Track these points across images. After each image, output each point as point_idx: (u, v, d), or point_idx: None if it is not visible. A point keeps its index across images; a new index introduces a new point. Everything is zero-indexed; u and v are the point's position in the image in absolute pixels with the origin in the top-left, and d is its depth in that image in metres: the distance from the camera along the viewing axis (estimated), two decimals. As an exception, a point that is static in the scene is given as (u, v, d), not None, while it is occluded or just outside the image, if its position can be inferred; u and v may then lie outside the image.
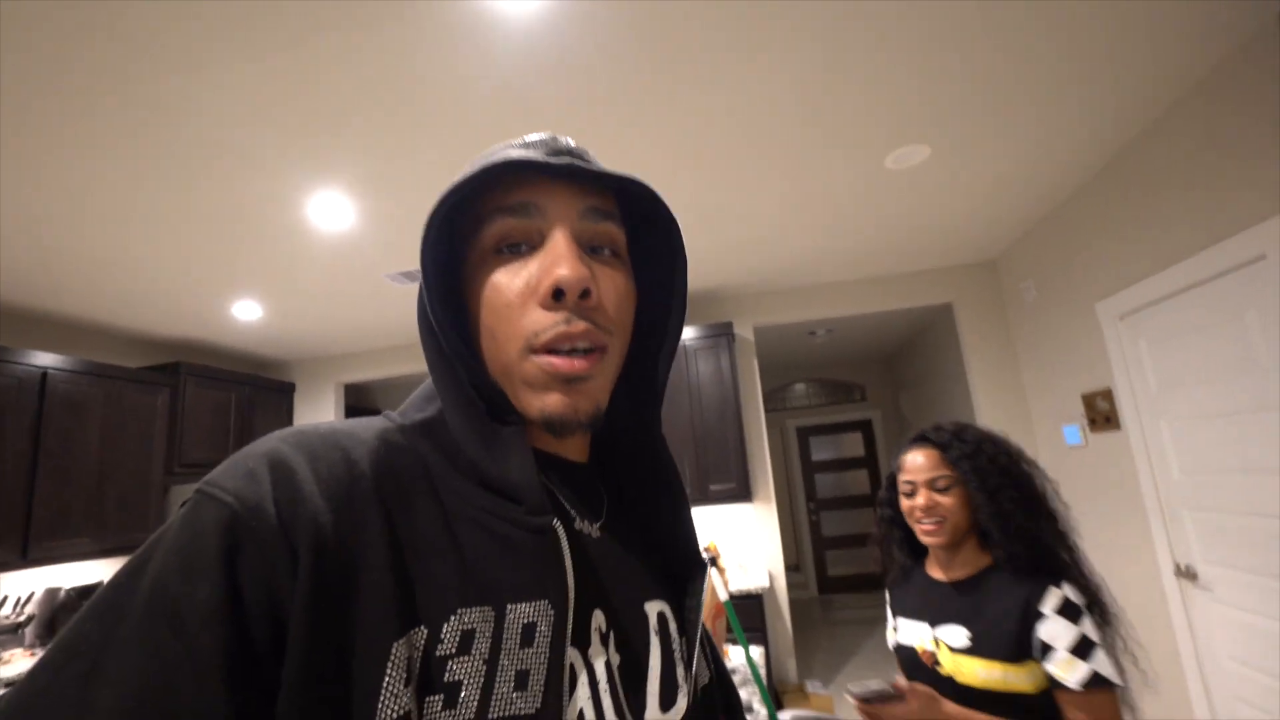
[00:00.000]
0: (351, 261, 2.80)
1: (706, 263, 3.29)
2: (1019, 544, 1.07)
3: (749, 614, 3.10)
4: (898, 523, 1.30)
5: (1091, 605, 1.04)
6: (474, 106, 1.78)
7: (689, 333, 3.58)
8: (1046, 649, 1.01)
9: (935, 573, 1.22)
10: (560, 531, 0.42)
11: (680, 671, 0.49)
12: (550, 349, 0.42)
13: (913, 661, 1.17)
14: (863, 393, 6.55)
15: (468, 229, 0.45)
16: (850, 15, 1.53)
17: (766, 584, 3.19)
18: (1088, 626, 1.00)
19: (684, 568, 0.54)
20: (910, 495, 1.19)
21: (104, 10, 1.33)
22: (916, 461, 1.20)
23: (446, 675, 0.36)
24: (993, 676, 1.03)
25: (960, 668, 1.07)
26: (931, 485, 1.15)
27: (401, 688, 0.34)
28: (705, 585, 0.53)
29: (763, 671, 1.99)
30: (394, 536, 0.38)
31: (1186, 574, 2.24)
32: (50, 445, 2.90)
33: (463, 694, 0.36)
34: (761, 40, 1.60)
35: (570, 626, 0.40)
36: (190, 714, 0.30)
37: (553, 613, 0.40)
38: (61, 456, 2.95)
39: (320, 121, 1.79)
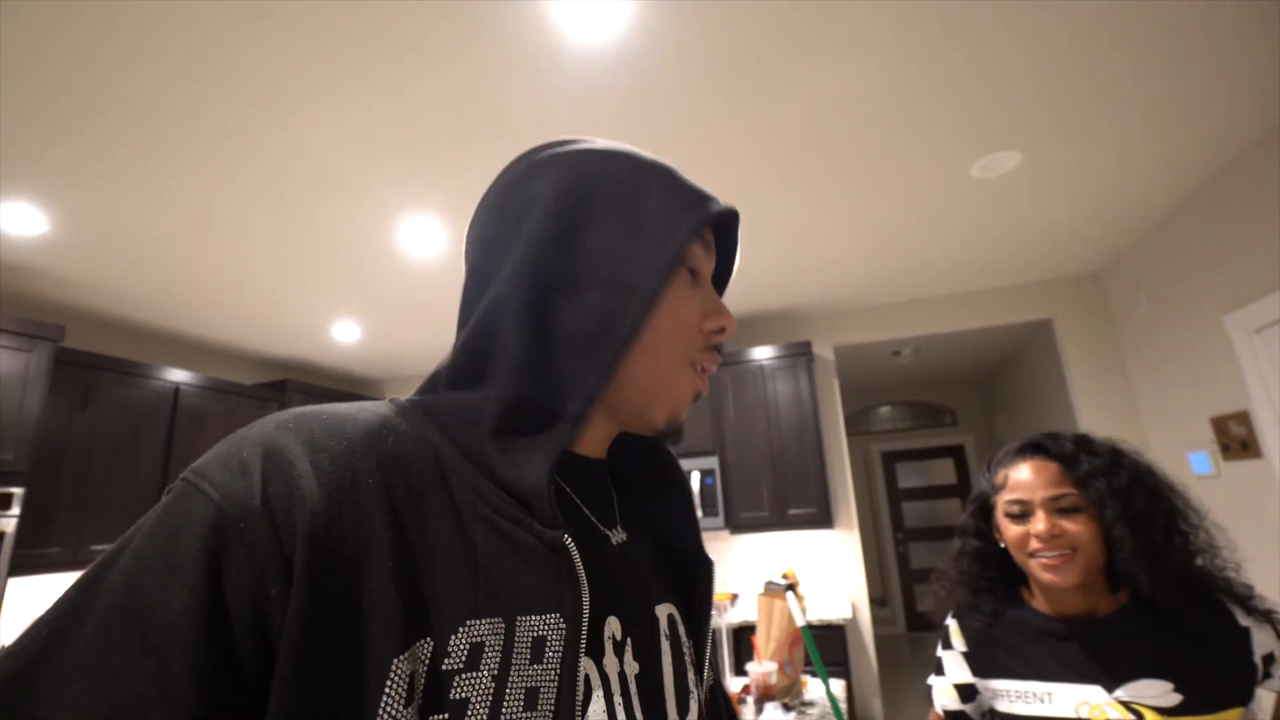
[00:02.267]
0: (443, 283, 2.97)
1: (784, 281, 3.24)
2: (1178, 591, 0.83)
3: (830, 645, 2.95)
4: (989, 558, 1.00)
5: None
6: (551, 130, 1.87)
7: (766, 352, 3.53)
8: (1266, 665, 0.81)
9: (1051, 607, 0.92)
10: (572, 547, 0.39)
11: (691, 676, 0.48)
12: (701, 368, 0.47)
13: None
14: (953, 416, 6.18)
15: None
16: (929, 17, 1.49)
17: (849, 615, 3.04)
18: None
19: (691, 567, 0.53)
20: (1019, 518, 0.91)
21: (224, 59, 1.51)
22: (1030, 476, 0.92)
23: (453, 692, 0.33)
24: None
25: None
26: (1053, 506, 0.88)
27: (401, 708, 0.31)
28: (713, 585, 0.53)
29: (843, 707, 1.88)
30: (401, 538, 0.35)
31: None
32: (179, 453, 3.23)
33: (469, 713, 0.33)
34: (836, 48, 1.58)
35: (584, 640, 0.38)
36: None
37: (564, 627, 0.37)
38: (187, 464, 3.28)
39: (413, 152, 1.93)
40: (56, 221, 2.20)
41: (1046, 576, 0.87)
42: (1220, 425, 2.48)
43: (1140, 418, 3.14)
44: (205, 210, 2.19)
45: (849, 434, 6.27)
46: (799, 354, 3.49)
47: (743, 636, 2.84)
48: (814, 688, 1.89)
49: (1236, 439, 2.39)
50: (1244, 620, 0.82)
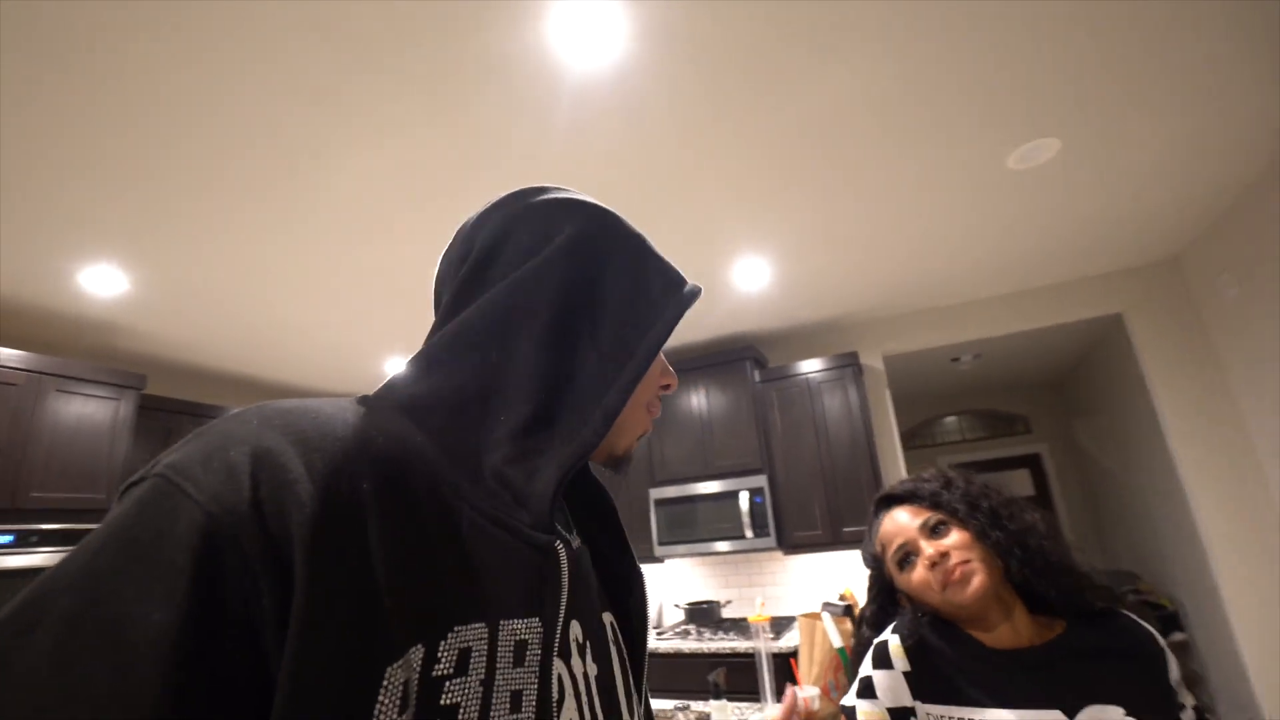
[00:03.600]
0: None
1: (823, 291, 3.16)
2: (1064, 577, 0.85)
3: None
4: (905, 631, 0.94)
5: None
6: (568, 157, 1.91)
7: (811, 365, 3.43)
8: (1177, 691, 0.81)
9: (998, 641, 0.87)
10: (563, 553, 0.41)
11: (630, 680, 0.50)
12: (652, 412, 0.55)
13: None
14: (1026, 424, 5.78)
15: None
16: (941, 4, 1.44)
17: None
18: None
19: (625, 578, 0.56)
20: (909, 564, 0.91)
21: (266, 118, 1.63)
22: (897, 522, 0.93)
23: (443, 698, 0.33)
24: None
25: None
26: (927, 533, 0.90)
27: (395, 716, 0.31)
28: (646, 595, 0.57)
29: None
30: (394, 544, 0.34)
31: None
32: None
33: (460, 718, 0.33)
34: (852, 44, 1.55)
35: (557, 643, 0.39)
36: None
37: (542, 630, 0.39)
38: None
39: (444, 191, 2.02)
40: (135, 280, 2.42)
41: (961, 595, 0.85)
42: (1330, 419, 2.21)
43: (1241, 415, 2.83)
44: (261, 260, 2.37)
45: (913, 447, 5.97)
46: (845, 365, 3.37)
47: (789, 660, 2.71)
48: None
49: (1350, 433, 2.12)
50: (1162, 643, 0.83)
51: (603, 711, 0.44)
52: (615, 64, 1.54)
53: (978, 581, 0.84)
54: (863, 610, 1.05)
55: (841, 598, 2.10)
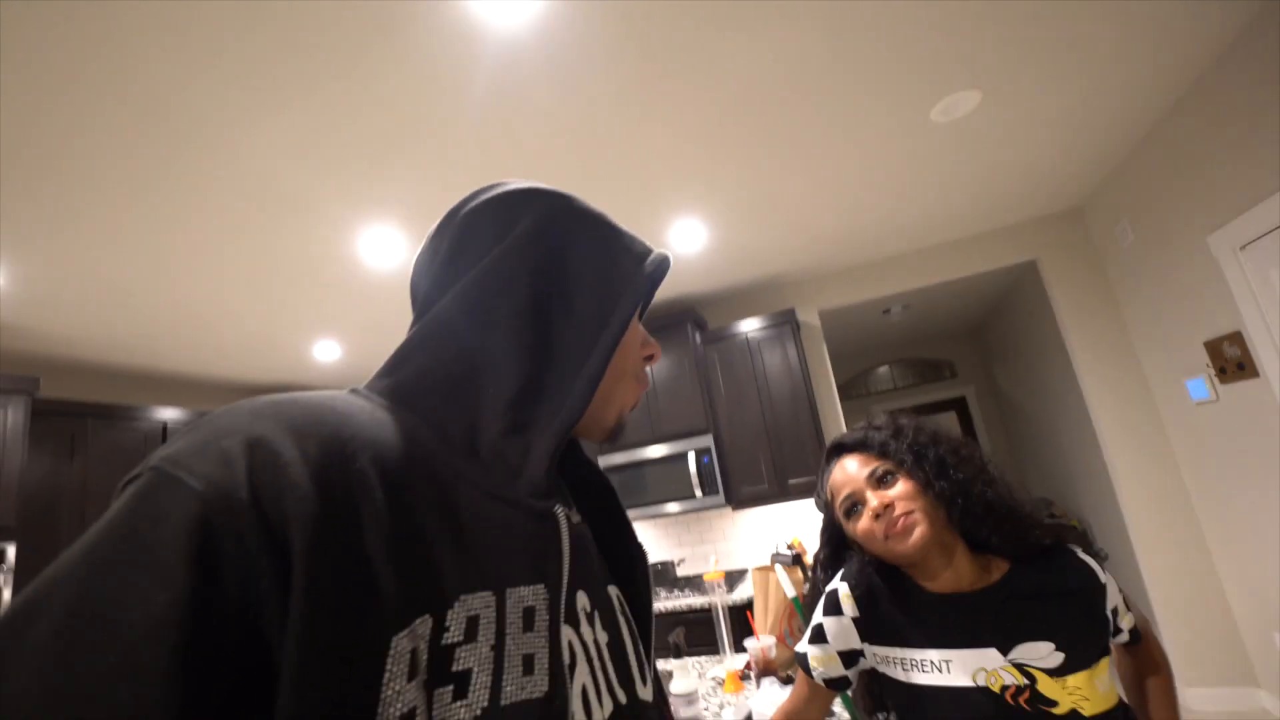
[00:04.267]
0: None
1: (758, 250, 3.18)
2: (1007, 521, 0.88)
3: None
4: (855, 577, 0.99)
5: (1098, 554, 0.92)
6: (493, 125, 1.81)
7: (750, 325, 3.48)
8: (1114, 617, 0.88)
9: (940, 586, 0.91)
10: (561, 516, 0.44)
11: (640, 649, 0.52)
12: (640, 382, 0.57)
13: (980, 709, 0.81)
14: (952, 369, 6.12)
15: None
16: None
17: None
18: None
19: (628, 555, 0.58)
20: (855, 513, 0.94)
21: (162, 95, 1.46)
22: (846, 471, 0.96)
23: (455, 665, 0.34)
24: (1108, 685, 0.81)
25: (1080, 693, 0.79)
26: (874, 482, 0.92)
27: (404, 684, 0.32)
28: (649, 572, 0.60)
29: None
30: (392, 520, 0.35)
31: (1361, 538, 1.89)
32: (174, 490, 3.23)
33: (473, 682, 0.34)
34: (773, 4, 1.52)
35: (564, 608, 0.41)
36: None
37: (548, 596, 0.40)
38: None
39: (357, 163, 1.88)
40: (14, 276, 2.17)
41: (903, 545, 0.88)
42: (1214, 348, 2.43)
43: (1135, 351, 3.08)
44: (165, 248, 2.16)
45: (850, 398, 6.23)
46: (783, 323, 3.44)
47: (744, 613, 2.82)
48: (820, 657, 1.87)
49: (1232, 360, 2.34)
50: (1102, 577, 0.87)
51: (616, 677, 0.46)
52: (535, 24, 1.46)
53: (919, 533, 0.87)
54: (816, 554, 1.09)
55: (790, 547, 2.17)
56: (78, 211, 1.88)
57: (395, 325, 3.32)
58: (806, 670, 0.98)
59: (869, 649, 0.95)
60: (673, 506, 3.41)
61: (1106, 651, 0.83)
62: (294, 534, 0.30)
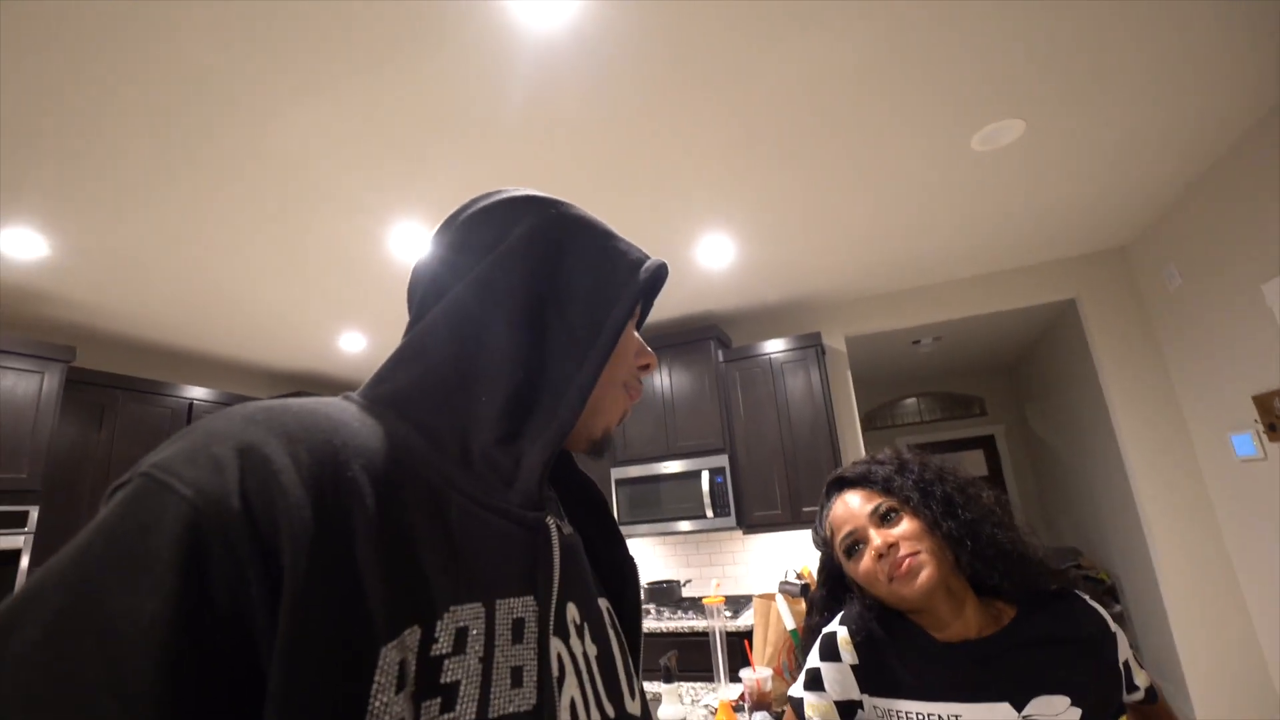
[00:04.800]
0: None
1: (786, 271, 3.14)
2: (1016, 566, 0.83)
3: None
4: (856, 622, 0.93)
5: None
6: (523, 125, 1.82)
7: (774, 346, 3.43)
8: (1127, 671, 0.83)
9: (947, 634, 0.86)
10: (553, 527, 0.44)
11: (628, 663, 0.52)
12: (631, 392, 0.55)
13: None
14: (982, 406, 5.95)
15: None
16: (905, -20, 1.40)
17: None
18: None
19: (620, 569, 0.57)
20: (856, 553, 0.88)
21: (200, 75, 1.51)
22: (848, 506, 0.91)
23: (443, 676, 0.34)
24: None
25: None
26: (876, 520, 0.87)
27: (392, 695, 0.31)
28: (640, 586, 0.58)
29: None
30: (382, 529, 0.34)
31: None
32: (194, 468, 3.30)
33: (461, 694, 0.34)
34: (811, 21, 1.50)
35: (553, 620, 0.41)
36: None
37: (538, 608, 0.40)
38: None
39: (390, 157, 1.91)
40: (55, 245, 2.25)
41: (908, 588, 0.83)
42: (1264, 403, 2.30)
43: (1178, 400, 2.94)
44: (198, 228, 2.22)
45: (874, 428, 6.09)
46: (808, 346, 3.38)
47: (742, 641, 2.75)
48: (820, 693, 1.80)
49: (1281, 418, 2.21)
50: (1113, 626, 0.82)
51: (605, 690, 0.46)
52: (573, 25, 1.46)
53: (925, 575, 0.82)
54: (812, 595, 1.03)
55: (799, 576, 2.11)
56: (118, 188, 1.94)
57: (420, 322, 3.35)
58: (800, 717, 0.92)
59: (868, 700, 0.88)
60: (683, 525, 3.36)
61: (1123, 710, 0.78)
62: (285, 542, 0.30)
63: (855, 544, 0.89)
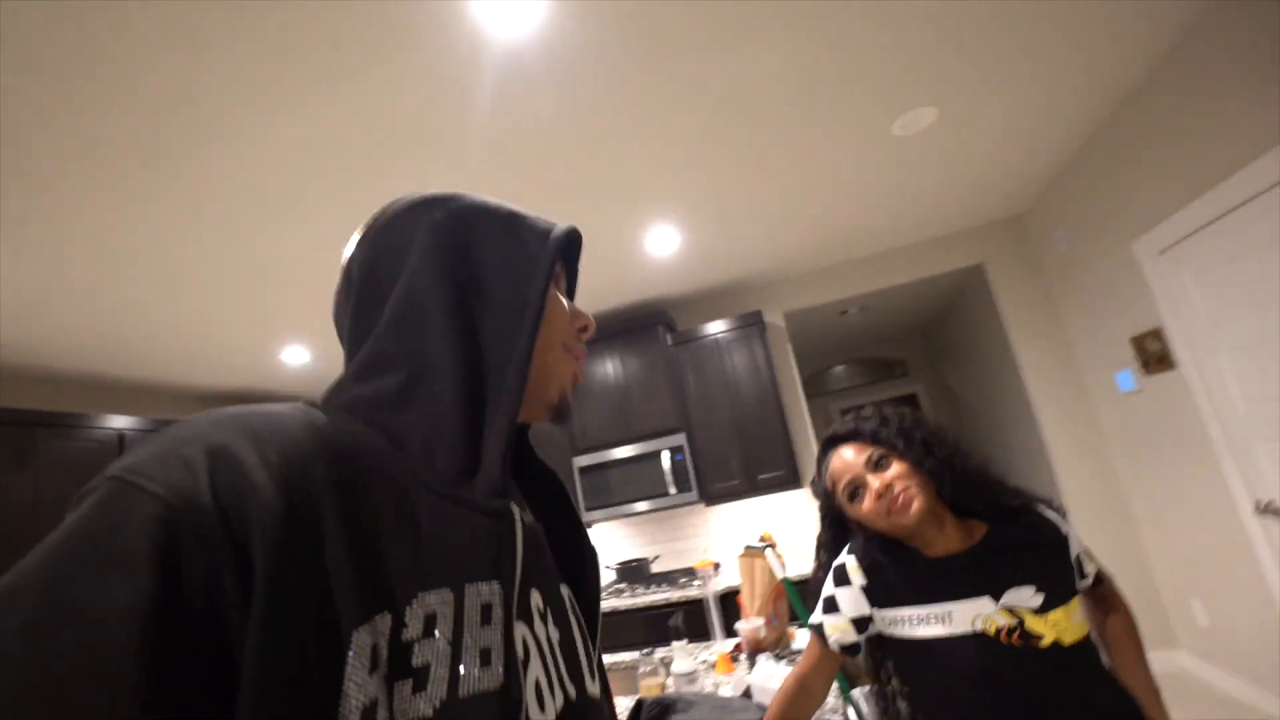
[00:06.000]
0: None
1: (729, 254, 3.31)
2: (985, 488, 1.03)
3: (807, 598, 3.07)
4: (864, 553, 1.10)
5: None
6: (479, 132, 1.86)
7: (719, 326, 3.60)
8: (1079, 564, 1.03)
9: (935, 551, 1.03)
10: (517, 513, 0.46)
11: (589, 647, 0.55)
12: (575, 355, 0.58)
13: (980, 652, 0.93)
14: (904, 368, 6.43)
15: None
16: (837, -11, 1.55)
17: (826, 567, 3.17)
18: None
19: (580, 556, 0.61)
20: (858, 497, 1.05)
21: (140, 78, 1.45)
22: (844, 459, 1.07)
23: (414, 659, 0.36)
24: (1081, 619, 0.96)
25: (1060, 626, 0.92)
26: (872, 466, 1.04)
27: (365, 676, 0.33)
28: (600, 572, 0.63)
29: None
30: (351, 523, 0.36)
31: (1268, 510, 2.15)
32: (133, 502, 3.10)
33: (432, 675, 0.36)
34: (750, 25, 1.63)
35: (516, 604, 0.43)
36: None
37: (502, 592, 0.42)
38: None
39: (344, 167, 1.89)
40: (-36, 275, 2.07)
41: (905, 517, 0.99)
42: (1139, 344, 2.69)
43: (1072, 347, 3.35)
44: (126, 246, 2.10)
45: (808, 396, 6.45)
46: (751, 324, 3.58)
47: (729, 602, 2.93)
48: (801, 638, 1.98)
49: (1154, 354, 2.60)
50: (1064, 529, 1.02)
51: (567, 673, 0.49)
52: (539, 33, 1.52)
53: (917, 505, 0.99)
54: (819, 537, 1.19)
55: (761, 539, 2.28)
56: (28, 209, 1.80)
57: (367, 329, 3.28)
58: (821, 638, 1.08)
59: (877, 613, 1.05)
60: (647, 504, 3.50)
61: (1076, 592, 0.98)
62: (256, 536, 0.31)
63: (856, 490, 1.05)
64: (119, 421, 3.16)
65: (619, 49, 1.63)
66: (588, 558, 0.61)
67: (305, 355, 3.51)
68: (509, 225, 0.54)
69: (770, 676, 1.42)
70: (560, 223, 0.56)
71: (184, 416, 3.00)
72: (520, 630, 0.44)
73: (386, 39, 1.45)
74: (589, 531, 0.66)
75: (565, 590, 0.55)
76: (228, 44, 1.38)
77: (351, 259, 0.53)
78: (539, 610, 0.48)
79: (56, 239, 1.97)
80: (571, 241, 0.60)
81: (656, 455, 3.50)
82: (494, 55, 1.57)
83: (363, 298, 0.51)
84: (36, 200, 1.76)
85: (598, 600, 0.60)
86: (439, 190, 0.56)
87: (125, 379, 3.37)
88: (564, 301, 0.58)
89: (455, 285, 0.49)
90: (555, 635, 0.49)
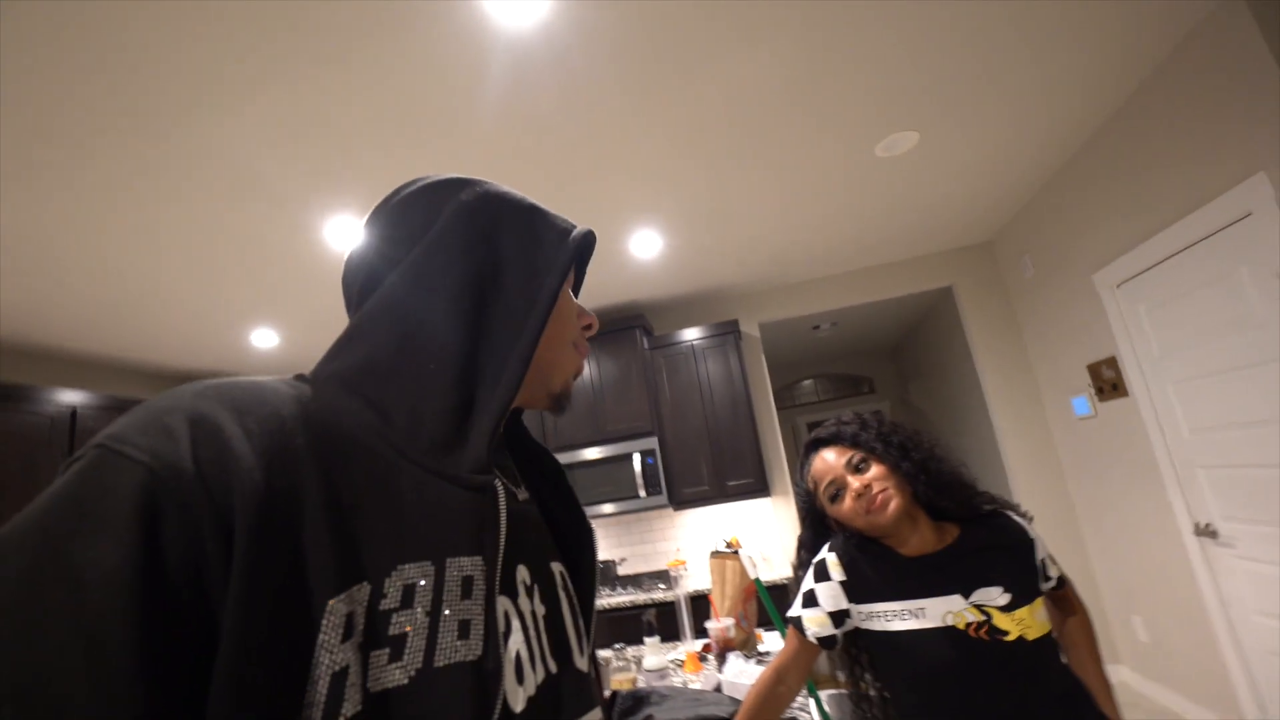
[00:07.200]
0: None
1: (709, 261, 3.36)
2: (959, 491, 1.08)
3: (778, 600, 3.13)
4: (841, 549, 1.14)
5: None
6: (476, 121, 1.86)
7: (695, 333, 3.65)
8: (1043, 567, 1.08)
9: (910, 550, 1.08)
10: (500, 489, 0.46)
11: (580, 623, 0.56)
12: (580, 350, 0.60)
13: (950, 645, 0.98)
14: (871, 385, 6.59)
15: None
16: (830, 11, 1.61)
17: (789, 575, 3.22)
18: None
19: (577, 534, 0.62)
20: (838, 498, 1.09)
21: (125, 50, 1.41)
22: (826, 461, 1.11)
23: (391, 629, 0.37)
24: (1043, 617, 1.01)
25: (1025, 623, 0.97)
26: (853, 469, 1.08)
27: (338, 643, 0.34)
28: (597, 550, 0.63)
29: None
30: (332, 494, 0.37)
31: (1206, 532, 2.27)
32: (82, 482, 2.97)
33: (408, 645, 0.37)
34: (745, 38, 1.68)
35: (499, 579, 0.44)
36: (83, 699, 0.27)
37: (485, 567, 0.43)
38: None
39: (331, 150, 1.87)
40: (-82, 233, 1.97)
41: (882, 517, 1.04)
42: (1095, 370, 2.82)
43: (1033, 371, 3.50)
44: (100, 217, 2.03)
45: (778, 408, 6.55)
46: (728, 333, 3.63)
47: (698, 603, 2.96)
48: (768, 640, 2.02)
49: (1108, 381, 2.73)
50: (1031, 534, 1.07)
51: (550, 649, 0.49)
52: (541, 28, 1.54)
53: (894, 505, 1.04)
54: (799, 536, 1.23)
55: (728, 545, 2.32)
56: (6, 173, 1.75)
57: (342, 315, 3.22)
58: (800, 631, 1.12)
59: (854, 608, 1.10)
60: (616, 506, 3.50)
61: (1040, 593, 1.03)
62: (237, 502, 0.32)
63: (837, 491, 1.10)
64: (71, 396, 3.02)
65: (619, 49, 1.65)
66: (584, 536, 0.62)
67: (274, 338, 3.42)
68: (530, 219, 0.55)
69: (741, 673, 1.44)
70: (579, 225, 0.57)
71: (141, 394, 2.90)
72: (503, 604, 0.45)
73: (377, 25, 1.45)
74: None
75: (557, 567, 0.56)
76: (217, 15, 1.36)
77: (370, 224, 0.53)
78: (525, 585, 0.49)
79: (15, 203, 1.89)
80: (585, 243, 0.62)
81: (628, 457, 3.51)
82: (492, 48, 1.57)
83: (374, 268, 0.51)
84: (19, 160, 1.69)
85: (594, 578, 0.61)
86: (463, 174, 0.57)
87: (82, 352, 3.24)
88: (573, 299, 0.60)
89: (471, 266, 0.50)
90: (541, 611, 0.50)
